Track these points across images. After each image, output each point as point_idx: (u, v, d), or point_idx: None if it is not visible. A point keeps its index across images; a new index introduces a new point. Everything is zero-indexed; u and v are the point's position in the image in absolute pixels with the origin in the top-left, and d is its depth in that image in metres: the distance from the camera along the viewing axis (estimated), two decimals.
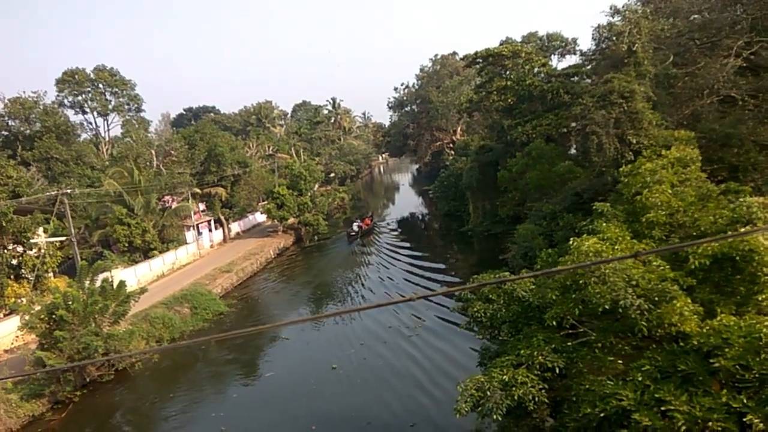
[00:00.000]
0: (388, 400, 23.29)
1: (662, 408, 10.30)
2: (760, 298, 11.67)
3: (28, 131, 59.50)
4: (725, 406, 9.79)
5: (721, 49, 28.55)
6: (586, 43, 58.08)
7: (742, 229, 12.69)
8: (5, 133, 59.65)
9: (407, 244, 54.44)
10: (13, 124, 60.00)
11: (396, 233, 62.51)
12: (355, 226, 60.54)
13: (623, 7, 30.58)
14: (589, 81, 37.72)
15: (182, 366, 30.03)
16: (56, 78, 69.26)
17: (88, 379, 26.93)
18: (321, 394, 24.51)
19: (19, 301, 30.90)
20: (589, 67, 39.09)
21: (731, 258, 11.98)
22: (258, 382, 27.33)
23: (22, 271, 33.65)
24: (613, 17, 30.51)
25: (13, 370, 26.71)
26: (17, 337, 28.85)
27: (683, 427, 9.88)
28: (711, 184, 17.50)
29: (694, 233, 14.04)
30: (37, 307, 26.55)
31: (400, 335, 30.12)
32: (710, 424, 9.70)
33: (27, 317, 25.95)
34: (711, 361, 10.41)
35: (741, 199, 14.15)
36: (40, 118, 58.99)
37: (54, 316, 25.49)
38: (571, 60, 49.97)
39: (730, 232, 12.88)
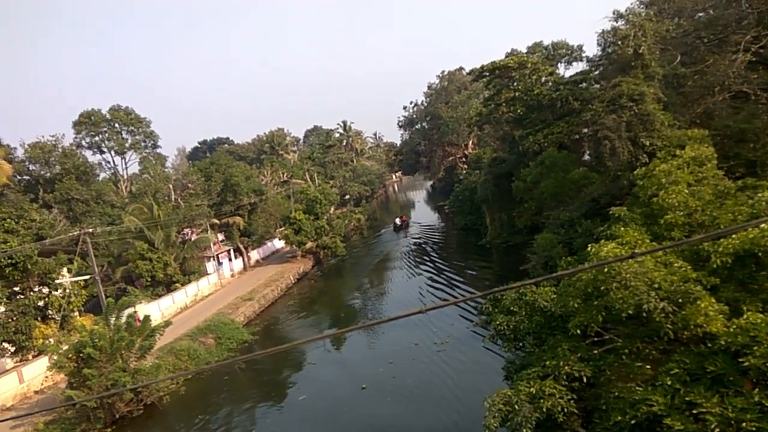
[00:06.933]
0: (419, 419, 23.11)
1: (694, 411, 10.14)
2: None
3: (48, 174, 60.73)
4: (758, 406, 9.60)
5: (728, 45, 28.38)
6: (592, 49, 57.98)
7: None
8: (27, 177, 60.93)
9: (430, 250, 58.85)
10: (33, 168, 61.30)
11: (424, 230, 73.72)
12: (397, 221, 78.18)
13: (626, 11, 30.58)
14: (597, 86, 37.54)
15: (210, 396, 30.08)
16: (73, 120, 70.73)
17: (117, 416, 27.07)
18: (353, 415, 24.42)
19: (47, 341, 31.32)
20: (596, 72, 38.98)
21: (754, 255, 11.82)
22: (289, 406, 27.23)
23: (49, 311, 34.18)
24: (616, 21, 30.54)
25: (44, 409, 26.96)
26: (47, 377, 29.26)
27: (716, 430, 9.70)
28: (728, 181, 17.34)
29: (714, 232, 13.87)
30: (65, 347, 26.88)
31: (429, 350, 29.80)
32: (743, 424, 9.51)
33: (55, 357, 26.26)
34: (740, 360, 10.23)
35: (759, 195, 14.01)
36: (59, 160, 60.21)
37: (82, 355, 25.79)
38: (578, 67, 49.87)
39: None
